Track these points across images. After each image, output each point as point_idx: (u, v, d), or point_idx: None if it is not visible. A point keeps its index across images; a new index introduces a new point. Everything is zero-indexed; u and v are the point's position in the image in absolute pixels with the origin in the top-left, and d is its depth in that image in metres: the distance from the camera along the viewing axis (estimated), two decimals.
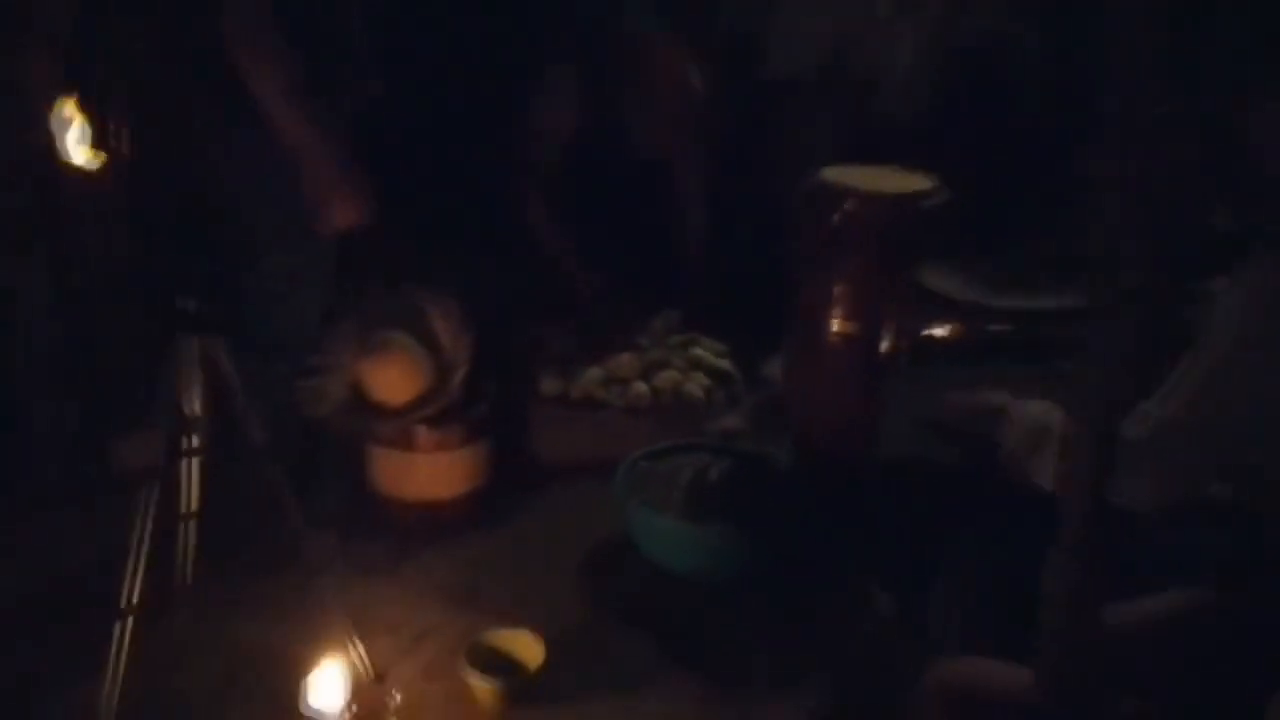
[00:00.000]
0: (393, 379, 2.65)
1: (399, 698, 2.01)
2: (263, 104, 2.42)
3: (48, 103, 2.37)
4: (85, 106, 2.37)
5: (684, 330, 3.19)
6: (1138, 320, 0.94)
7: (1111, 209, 0.92)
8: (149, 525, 1.86)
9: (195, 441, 2.00)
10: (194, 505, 2.08)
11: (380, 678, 1.97)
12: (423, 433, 2.63)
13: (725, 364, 3.08)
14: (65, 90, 2.38)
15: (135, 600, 1.86)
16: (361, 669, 1.93)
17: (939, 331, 1.96)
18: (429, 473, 2.66)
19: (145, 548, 1.86)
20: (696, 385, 2.96)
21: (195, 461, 2.03)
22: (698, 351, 3.07)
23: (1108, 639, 1.38)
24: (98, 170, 2.43)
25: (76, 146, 2.41)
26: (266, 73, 2.42)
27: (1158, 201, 0.92)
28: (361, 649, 1.95)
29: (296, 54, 2.45)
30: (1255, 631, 1.35)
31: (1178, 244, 1.44)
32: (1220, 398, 1.30)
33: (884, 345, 2.08)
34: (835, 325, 2.62)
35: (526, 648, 2.11)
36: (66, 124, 2.38)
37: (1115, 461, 0.99)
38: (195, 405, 1.95)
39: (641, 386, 2.93)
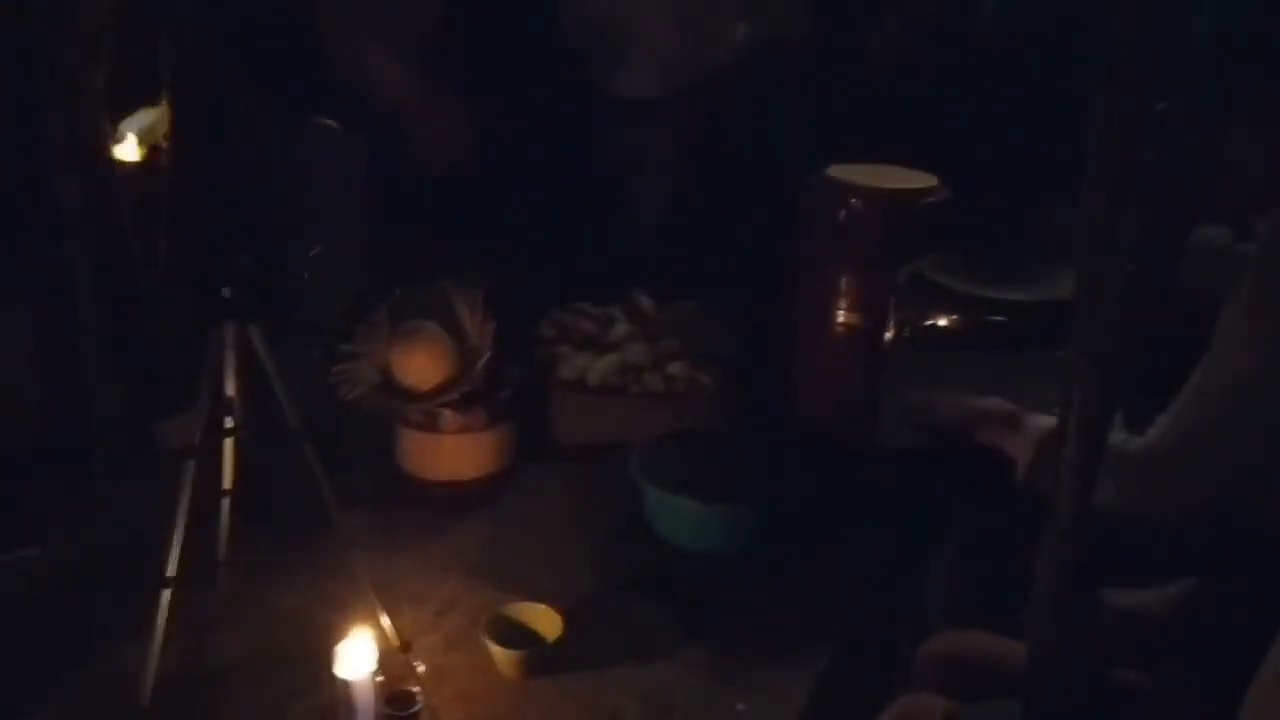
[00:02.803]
0: (421, 365, 2.63)
1: (423, 667, 2.00)
2: None
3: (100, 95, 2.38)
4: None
5: (696, 321, 3.15)
6: (1122, 312, 0.91)
7: (1095, 203, 0.89)
8: (188, 501, 1.84)
9: (232, 422, 1.98)
10: (231, 482, 2.07)
11: (406, 647, 1.94)
12: (449, 416, 2.61)
13: (733, 353, 3.04)
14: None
15: (176, 571, 1.84)
16: (389, 638, 1.91)
17: (940, 322, 1.92)
18: (454, 453, 2.65)
19: (185, 522, 1.84)
20: (707, 374, 2.93)
21: (232, 441, 2.02)
22: (709, 341, 3.03)
23: (1100, 620, 1.35)
24: (141, 160, 2.43)
25: (124, 139, 2.41)
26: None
27: (1142, 197, 0.89)
28: (389, 619, 1.93)
29: None
30: (1240, 621, 1.30)
31: (1164, 239, 1.39)
32: (1202, 412, 1.23)
33: (886, 335, 2.04)
34: (840, 316, 2.59)
35: (545, 620, 2.08)
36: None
37: (1102, 467, 0.95)
38: (232, 388, 1.94)
39: (655, 374, 2.90)
